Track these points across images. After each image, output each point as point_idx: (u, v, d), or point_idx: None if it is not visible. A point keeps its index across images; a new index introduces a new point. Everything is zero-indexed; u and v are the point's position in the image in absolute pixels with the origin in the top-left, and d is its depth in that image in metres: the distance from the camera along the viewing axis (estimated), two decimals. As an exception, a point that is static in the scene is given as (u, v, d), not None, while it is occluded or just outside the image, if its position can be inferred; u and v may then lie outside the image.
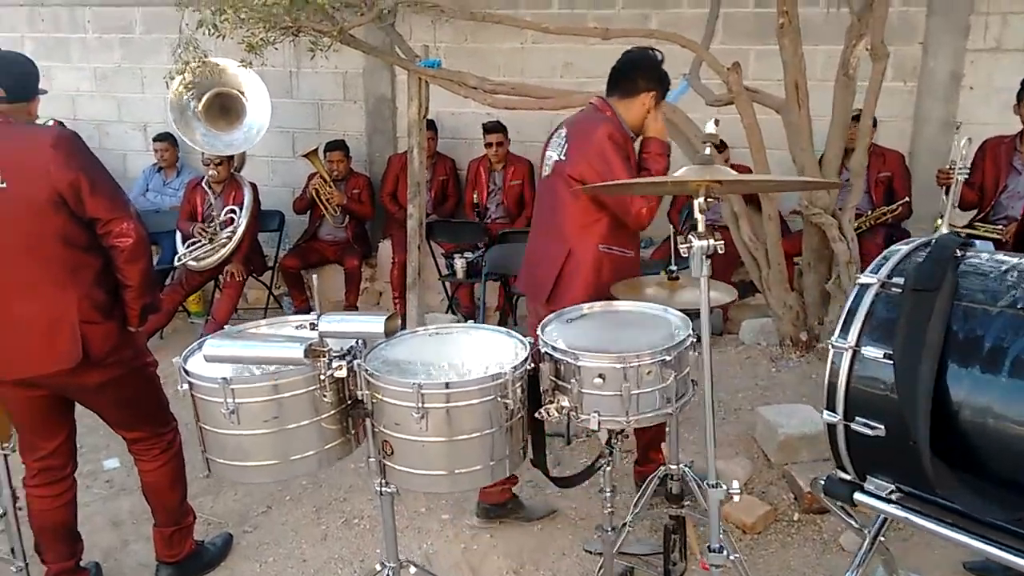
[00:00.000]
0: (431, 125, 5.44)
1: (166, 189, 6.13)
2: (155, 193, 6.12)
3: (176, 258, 5.33)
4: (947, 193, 4.12)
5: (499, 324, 5.11)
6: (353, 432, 2.01)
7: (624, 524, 2.34)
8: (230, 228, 5.21)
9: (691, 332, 1.94)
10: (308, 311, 5.59)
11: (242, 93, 5.30)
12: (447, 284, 5.35)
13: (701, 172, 1.68)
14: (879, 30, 3.52)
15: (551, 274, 2.75)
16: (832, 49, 5.12)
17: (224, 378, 1.83)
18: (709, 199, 1.68)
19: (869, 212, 4.62)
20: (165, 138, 5.97)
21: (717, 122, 1.73)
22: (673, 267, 2.28)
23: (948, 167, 4.10)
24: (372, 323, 1.74)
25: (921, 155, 5.19)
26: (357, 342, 1.92)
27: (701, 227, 1.69)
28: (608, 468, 2.15)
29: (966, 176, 4.10)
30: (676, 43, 3.88)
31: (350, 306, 5.60)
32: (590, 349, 1.90)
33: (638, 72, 2.84)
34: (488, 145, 5.42)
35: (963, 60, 5.12)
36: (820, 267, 3.80)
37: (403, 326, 5.31)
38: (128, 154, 6.58)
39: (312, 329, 1.79)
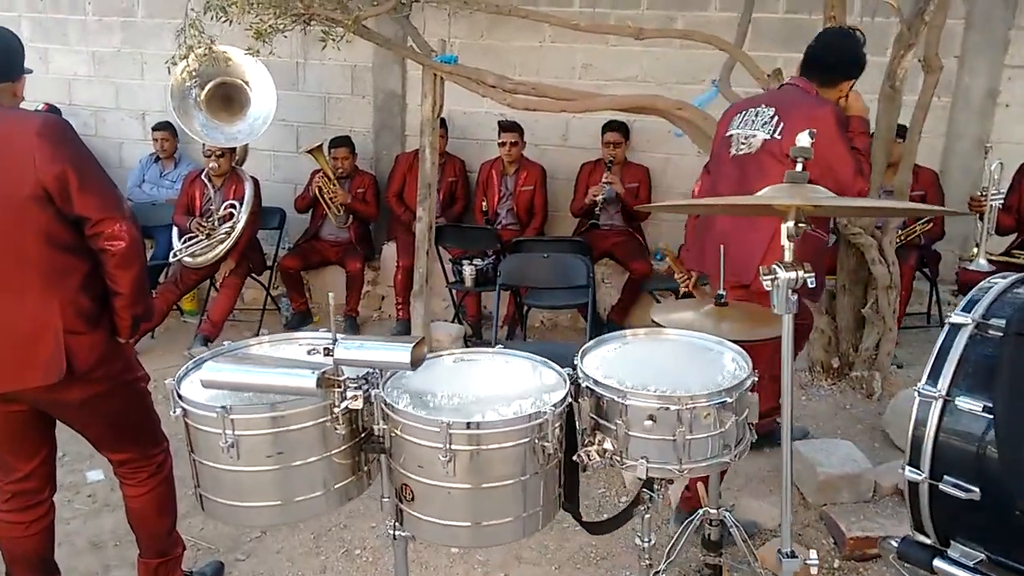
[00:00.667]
0: (441, 123, 5.21)
1: (163, 180, 5.89)
2: (151, 185, 5.88)
3: (171, 254, 5.10)
4: (981, 219, 3.96)
5: (507, 337, 4.88)
6: (366, 468, 1.79)
7: (656, 574, 2.12)
8: (228, 223, 4.98)
9: (752, 371, 1.72)
10: (307, 313, 5.41)
11: (247, 83, 5.08)
12: (453, 292, 5.12)
13: (792, 192, 1.47)
14: (934, 41, 3.32)
15: (755, 256, 2.63)
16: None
17: (223, 407, 1.61)
18: (800, 224, 1.46)
19: (900, 230, 4.41)
20: (165, 127, 5.73)
21: (812, 134, 1.51)
22: (722, 292, 2.06)
23: (980, 193, 3.89)
24: (397, 352, 1.51)
25: (953, 172, 5.00)
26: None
27: (788, 256, 1.47)
28: (647, 516, 1.93)
29: (1000, 202, 3.92)
30: (713, 46, 3.67)
31: (351, 311, 5.37)
32: (639, 386, 1.68)
33: (839, 61, 2.82)
34: (502, 144, 5.20)
35: (1000, 76, 4.92)
36: (855, 290, 3.59)
37: (406, 332, 5.12)
38: (125, 143, 6.34)
39: (327, 355, 1.56)
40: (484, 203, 5.32)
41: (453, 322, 5.02)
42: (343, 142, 5.43)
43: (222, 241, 4.95)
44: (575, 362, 1.82)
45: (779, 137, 2.68)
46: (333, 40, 3.77)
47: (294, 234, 5.85)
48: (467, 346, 4.83)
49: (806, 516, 2.85)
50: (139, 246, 2.07)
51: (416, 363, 1.52)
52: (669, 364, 1.83)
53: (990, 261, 3.78)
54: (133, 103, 6.22)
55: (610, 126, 5.12)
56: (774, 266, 1.47)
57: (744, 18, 4.28)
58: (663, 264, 5.27)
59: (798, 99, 2.77)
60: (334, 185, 5.33)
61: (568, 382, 1.72)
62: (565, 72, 5.43)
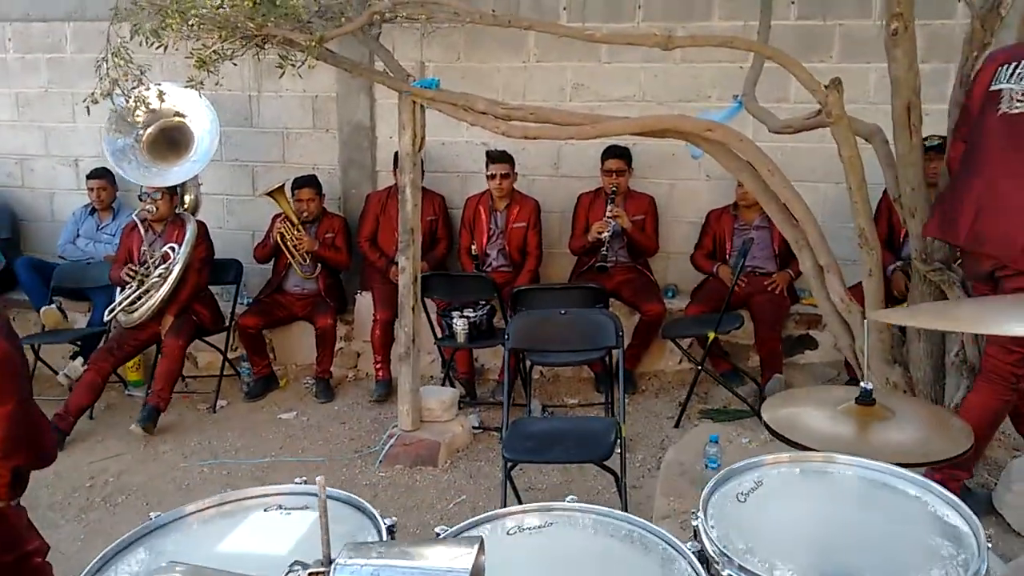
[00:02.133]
0: None
1: (100, 235, 5.17)
2: (87, 240, 5.15)
3: (107, 311, 4.38)
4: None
5: (506, 395, 4.21)
6: None
7: None
8: (164, 266, 4.28)
9: (986, 531, 1.10)
10: (271, 377, 4.65)
11: (185, 120, 4.43)
12: (441, 348, 4.46)
13: None
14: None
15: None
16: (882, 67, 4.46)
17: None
18: None
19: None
20: (102, 175, 5.03)
21: None
22: (868, 385, 1.45)
23: None
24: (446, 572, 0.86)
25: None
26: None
27: None
28: None
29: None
30: (759, 53, 3.11)
31: (323, 372, 4.69)
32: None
33: None
34: (491, 177, 4.58)
35: None
36: (933, 334, 3.04)
37: (387, 394, 4.44)
38: (56, 193, 5.60)
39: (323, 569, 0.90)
40: (472, 244, 4.69)
41: (444, 383, 4.35)
42: (308, 182, 4.78)
43: (158, 288, 4.26)
44: (695, 520, 1.19)
45: None
46: (292, 66, 3.13)
47: (253, 288, 5.17)
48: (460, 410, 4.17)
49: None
50: (14, 364, 1.40)
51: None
52: (849, 525, 1.19)
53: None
54: (64, 149, 5.51)
55: (612, 152, 4.55)
56: None
57: (763, 23, 3.74)
58: (675, 302, 4.72)
59: None
60: (298, 231, 4.68)
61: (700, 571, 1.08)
62: (553, 94, 4.86)
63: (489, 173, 4.58)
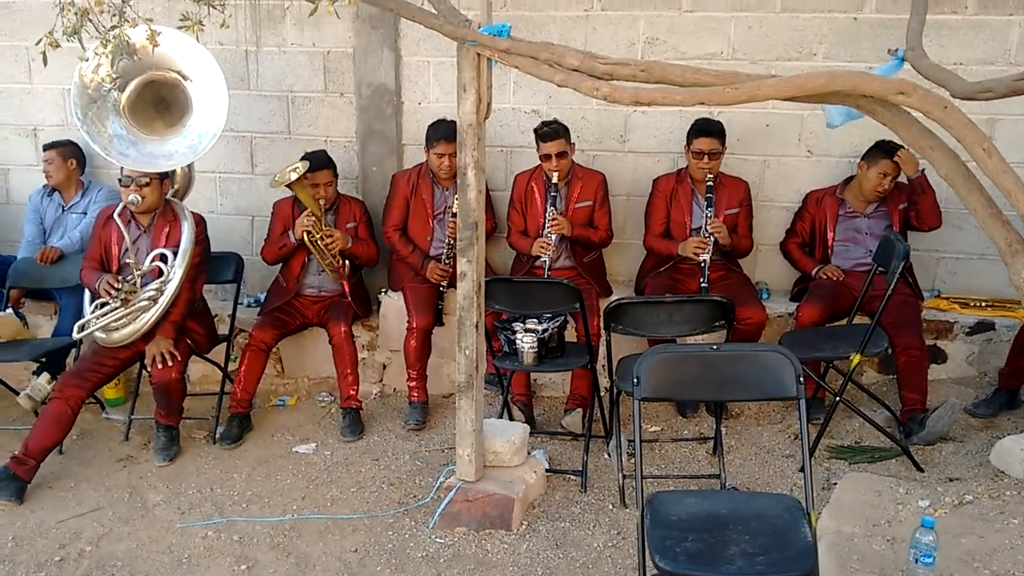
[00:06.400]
0: (444, 130, 3.74)
1: (67, 217, 4.25)
2: (52, 228, 4.23)
3: (77, 327, 3.48)
4: None
5: (586, 429, 3.40)
6: None
7: None
8: (156, 283, 3.40)
9: None
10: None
11: (182, 76, 3.51)
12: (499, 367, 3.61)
13: None
14: None
15: None
16: (1029, 19, 3.66)
17: None
18: None
19: None
20: (52, 147, 4.13)
21: None
22: None
23: None
24: None
25: None
26: None
27: None
28: None
29: None
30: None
31: (351, 400, 3.77)
32: None
33: None
34: (545, 158, 3.72)
35: None
36: None
37: (424, 420, 3.57)
38: (11, 170, 4.66)
39: None
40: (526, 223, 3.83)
41: (502, 415, 3.51)
42: (324, 162, 3.87)
43: (147, 309, 3.38)
44: None
45: None
46: (330, -1, 2.24)
47: (254, 285, 4.31)
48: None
49: None
50: None
51: None
52: None
53: None
54: (20, 116, 4.55)
55: (705, 128, 3.69)
56: None
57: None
58: (771, 304, 3.91)
59: None
60: (328, 226, 3.81)
61: None
62: (622, 50, 3.99)
63: (543, 153, 3.70)
